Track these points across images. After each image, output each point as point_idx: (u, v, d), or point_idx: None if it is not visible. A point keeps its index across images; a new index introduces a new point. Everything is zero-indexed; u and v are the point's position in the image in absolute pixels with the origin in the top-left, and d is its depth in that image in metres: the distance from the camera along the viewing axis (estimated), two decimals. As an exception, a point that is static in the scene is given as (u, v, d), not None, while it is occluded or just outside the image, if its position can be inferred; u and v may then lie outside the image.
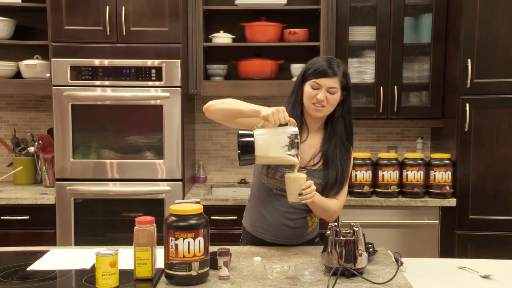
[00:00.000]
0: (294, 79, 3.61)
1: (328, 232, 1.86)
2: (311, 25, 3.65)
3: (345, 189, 2.22)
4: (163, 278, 1.80)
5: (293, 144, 1.93)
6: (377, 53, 3.55)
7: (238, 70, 3.66)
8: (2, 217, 3.29)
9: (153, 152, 3.33)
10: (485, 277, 1.98)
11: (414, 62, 3.65)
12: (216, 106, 2.13)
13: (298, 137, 1.95)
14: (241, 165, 1.98)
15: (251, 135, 1.94)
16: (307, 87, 2.12)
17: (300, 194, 1.96)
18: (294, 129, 1.95)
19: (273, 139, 1.95)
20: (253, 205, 2.26)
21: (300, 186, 1.96)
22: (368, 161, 3.41)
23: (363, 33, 3.59)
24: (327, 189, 2.14)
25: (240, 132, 1.96)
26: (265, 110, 1.97)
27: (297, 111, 2.16)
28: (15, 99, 3.90)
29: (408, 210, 3.36)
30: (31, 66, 3.51)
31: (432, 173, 3.37)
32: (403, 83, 3.59)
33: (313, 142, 2.18)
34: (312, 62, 2.15)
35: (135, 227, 1.79)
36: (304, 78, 2.14)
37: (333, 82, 2.09)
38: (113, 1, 3.24)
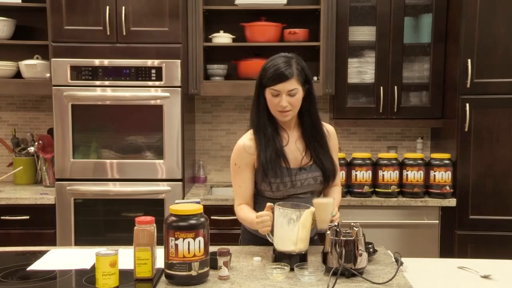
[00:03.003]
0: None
1: (328, 232, 1.86)
2: (311, 25, 3.65)
3: (339, 171, 2.33)
4: (163, 278, 1.80)
5: (291, 218, 1.90)
6: (377, 53, 3.55)
7: (238, 70, 3.66)
8: (2, 217, 3.29)
9: (153, 152, 3.33)
10: (485, 277, 1.98)
11: (414, 62, 3.65)
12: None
13: (285, 208, 1.93)
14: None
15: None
16: (268, 95, 2.10)
17: (332, 221, 1.98)
18: (277, 211, 1.92)
19: (280, 232, 1.92)
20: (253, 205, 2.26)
21: (330, 213, 1.98)
22: (368, 161, 3.41)
23: (363, 33, 3.59)
24: (326, 178, 2.18)
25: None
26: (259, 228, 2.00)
27: (263, 119, 2.14)
28: (15, 99, 3.90)
29: (408, 210, 3.36)
30: (31, 66, 3.51)
31: (432, 173, 3.37)
32: (403, 83, 3.59)
33: (296, 141, 2.20)
34: (266, 68, 2.10)
35: (135, 227, 1.79)
36: (262, 84, 2.11)
37: (291, 84, 2.06)
38: (113, 1, 3.24)
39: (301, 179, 2.16)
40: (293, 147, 2.18)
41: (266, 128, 2.14)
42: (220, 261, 1.82)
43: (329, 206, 1.98)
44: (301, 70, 2.10)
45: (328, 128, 2.28)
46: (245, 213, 2.16)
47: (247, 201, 2.20)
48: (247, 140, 2.19)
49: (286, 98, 2.07)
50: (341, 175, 2.38)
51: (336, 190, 2.31)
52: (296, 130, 2.22)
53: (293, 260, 1.88)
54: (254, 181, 2.18)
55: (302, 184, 2.16)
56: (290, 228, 1.88)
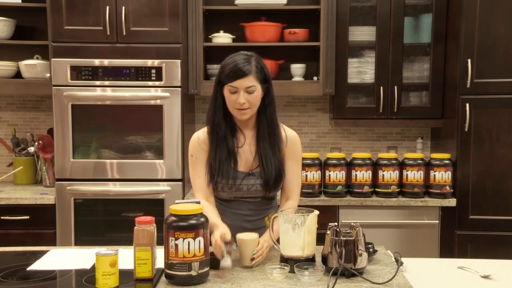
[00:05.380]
0: (294, 79, 3.63)
1: (328, 232, 1.86)
2: (311, 25, 3.65)
3: (296, 185, 2.22)
4: (163, 278, 1.80)
5: (296, 223, 1.89)
6: (377, 53, 3.55)
7: (238, 70, 3.65)
8: (2, 217, 3.29)
9: (153, 152, 3.33)
10: (485, 277, 1.98)
11: (414, 62, 3.64)
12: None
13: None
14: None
15: None
16: (226, 92, 2.07)
17: (253, 259, 1.95)
18: (281, 217, 1.92)
19: (286, 238, 1.91)
20: None
21: (252, 250, 1.95)
22: (368, 161, 3.41)
23: (363, 33, 3.59)
24: (269, 186, 2.13)
25: None
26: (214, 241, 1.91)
27: (219, 117, 2.11)
28: (15, 99, 3.90)
29: (408, 210, 3.36)
30: (31, 66, 3.51)
31: (432, 173, 3.37)
32: (403, 83, 3.59)
33: (250, 142, 2.17)
34: (224, 65, 2.09)
35: (135, 227, 1.79)
36: (220, 81, 2.09)
37: (249, 81, 2.03)
38: (113, 1, 3.24)
39: (248, 184, 2.13)
40: (247, 149, 2.16)
41: (220, 126, 2.11)
42: (224, 250, 1.82)
43: (250, 243, 1.95)
44: (260, 68, 2.07)
45: (290, 134, 2.22)
46: (206, 214, 2.10)
47: (207, 195, 2.16)
48: (201, 133, 2.19)
49: (244, 95, 2.04)
50: (300, 191, 2.29)
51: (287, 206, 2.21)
52: (253, 131, 2.17)
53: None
54: None
55: (249, 189, 2.14)
56: (296, 234, 1.88)
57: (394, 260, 2.03)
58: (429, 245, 3.36)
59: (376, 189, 3.41)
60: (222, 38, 3.59)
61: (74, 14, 3.26)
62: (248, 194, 2.15)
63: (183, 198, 3.32)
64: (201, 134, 2.19)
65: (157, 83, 3.26)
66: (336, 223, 1.89)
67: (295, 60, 3.65)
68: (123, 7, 3.23)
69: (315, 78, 3.65)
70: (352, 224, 1.86)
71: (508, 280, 1.98)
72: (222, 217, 2.14)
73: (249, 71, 2.03)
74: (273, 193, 2.21)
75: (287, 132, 2.22)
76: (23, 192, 3.46)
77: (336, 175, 3.37)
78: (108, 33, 3.25)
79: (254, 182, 2.13)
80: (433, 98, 3.58)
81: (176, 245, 1.71)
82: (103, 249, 1.77)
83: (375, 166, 3.42)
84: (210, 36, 3.62)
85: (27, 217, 3.30)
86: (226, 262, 1.82)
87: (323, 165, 3.43)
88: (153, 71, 3.25)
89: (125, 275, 1.79)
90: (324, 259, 1.86)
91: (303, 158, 3.22)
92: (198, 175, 2.16)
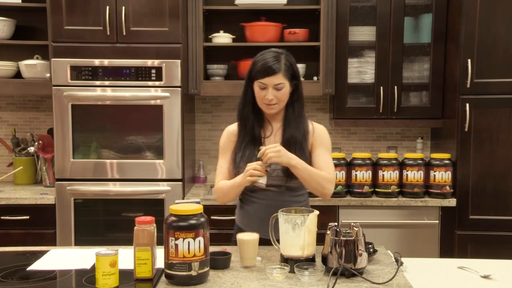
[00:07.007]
0: (294, 79, 3.62)
1: (328, 232, 1.86)
2: (311, 25, 3.65)
3: (328, 163, 2.24)
4: (163, 278, 1.80)
5: (296, 222, 1.90)
6: (377, 53, 3.55)
7: (238, 70, 3.66)
8: (2, 217, 3.29)
9: (153, 152, 3.33)
10: (485, 277, 1.98)
11: (414, 62, 3.64)
12: (221, 198, 2.27)
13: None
14: None
15: None
16: (256, 88, 2.18)
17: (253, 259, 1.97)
18: (281, 217, 1.93)
19: (286, 238, 1.92)
20: (239, 200, 2.34)
21: (255, 250, 1.96)
22: (368, 161, 3.41)
23: (363, 33, 3.59)
24: (290, 172, 2.15)
25: None
26: (245, 178, 2.10)
27: (248, 110, 2.23)
28: (15, 99, 3.90)
29: (408, 210, 3.36)
30: (31, 66, 3.51)
31: (432, 173, 3.37)
32: (403, 83, 3.59)
33: (277, 134, 2.25)
34: (255, 61, 2.19)
35: (135, 227, 1.79)
36: (251, 77, 2.19)
37: (278, 79, 2.13)
38: (113, 1, 3.24)
39: (269, 169, 2.15)
40: (272, 140, 2.24)
41: (249, 119, 2.23)
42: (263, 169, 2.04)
43: (250, 243, 1.95)
44: (289, 66, 2.17)
45: (317, 125, 2.30)
46: (225, 183, 2.23)
47: (225, 179, 2.28)
48: (233, 125, 2.33)
49: (272, 92, 2.14)
50: (334, 175, 2.31)
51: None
52: (280, 123, 2.26)
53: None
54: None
55: (270, 174, 2.17)
56: (296, 234, 1.88)
57: (394, 260, 2.03)
58: (429, 245, 3.36)
59: (376, 189, 3.42)
60: (222, 38, 3.59)
61: (74, 14, 3.26)
62: (269, 180, 2.16)
63: (183, 198, 3.32)
64: (232, 127, 2.33)
65: (157, 83, 3.26)
66: (336, 223, 1.89)
67: (295, 60, 3.64)
68: (123, 7, 3.23)
69: (315, 78, 3.65)
70: (352, 224, 1.86)
71: (508, 280, 1.98)
72: (246, 206, 2.28)
73: (278, 69, 2.13)
74: (294, 182, 2.21)
75: (315, 125, 2.30)
76: (23, 192, 3.46)
77: (336, 175, 3.37)
78: (108, 33, 3.25)
79: (275, 167, 2.17)
80: (433, 98, 3.58)
81: (176, 245, 1.71)
82: (103, 249, 1.77)
83: (375, 166, 3.42)
84: (210, 36, 3.62)
85: (27, 217, 3.30)
86: (264, 180, 2.00)
87: (323, 165, 3.43)
88: (153, 71, 3.25)
89: (125, 275, 1.79)
90: (324, 259, 1.86)
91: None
92: (221, 164, 2.32)
